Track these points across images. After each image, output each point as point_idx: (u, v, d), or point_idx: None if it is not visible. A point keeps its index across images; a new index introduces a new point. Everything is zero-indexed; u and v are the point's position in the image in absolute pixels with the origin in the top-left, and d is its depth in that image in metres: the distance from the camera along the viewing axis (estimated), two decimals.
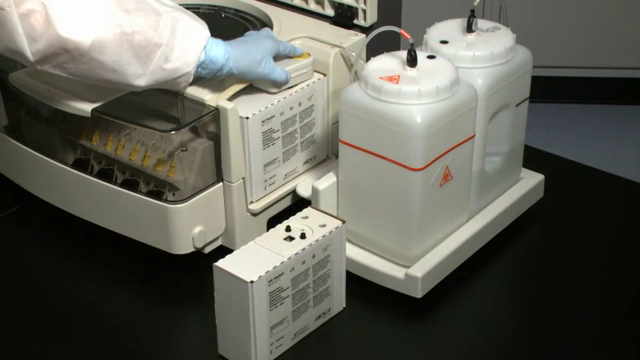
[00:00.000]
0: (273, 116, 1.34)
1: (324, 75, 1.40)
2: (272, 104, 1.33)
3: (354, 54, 1.40)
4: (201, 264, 1.33)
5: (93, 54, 1.19)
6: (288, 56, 1.37)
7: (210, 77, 1.29)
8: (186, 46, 1.24)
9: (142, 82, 1.23)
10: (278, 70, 1.33)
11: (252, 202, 1.36)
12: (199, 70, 1.27)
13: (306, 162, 1.43)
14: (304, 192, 1.38)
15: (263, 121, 1.32)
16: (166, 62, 1.23)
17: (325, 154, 1.45)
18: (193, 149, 1.30)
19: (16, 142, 1.43)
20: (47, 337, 1.26)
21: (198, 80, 1.30)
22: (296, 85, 1.37)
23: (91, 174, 1.36)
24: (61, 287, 1.35)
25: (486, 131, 1.32)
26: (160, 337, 1.26)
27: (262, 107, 1.32)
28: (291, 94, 1.35)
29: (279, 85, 1.35)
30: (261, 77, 1.32)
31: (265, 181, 1.37)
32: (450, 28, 1.35)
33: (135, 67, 1.22)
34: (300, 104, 1.37)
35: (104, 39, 1.18)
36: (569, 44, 3.26)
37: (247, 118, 1.30)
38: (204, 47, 1.26)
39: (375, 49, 1.32)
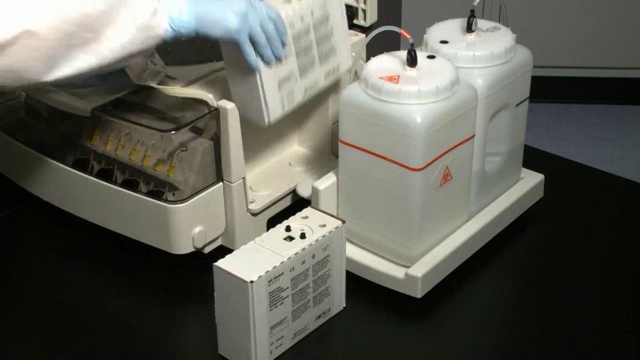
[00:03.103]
0: None
1: None
2: None
3: (354, 54, 1.40)
4: (201, 264, 1.32)
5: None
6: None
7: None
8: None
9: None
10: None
11: (252, 202, 1.36)
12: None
13: None
14: (304, 192, 1.38)
15: None
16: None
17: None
18: (193, 149, 1.30)
19: (16, 142, 1.43)
20: (47, 337, 1.26)
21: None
22: None
23: (91, 174, 1.36)
24: (61, 287, 1.35)
25: (486, 131, 1.32)
26: (160, 337, 1.26)
27: None
28: None
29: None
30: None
31: None
32: (450, 28, 1.35)
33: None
34: None
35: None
36: (569, 44, 3.26)
37: None
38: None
39: (375, 49, 1.31)
